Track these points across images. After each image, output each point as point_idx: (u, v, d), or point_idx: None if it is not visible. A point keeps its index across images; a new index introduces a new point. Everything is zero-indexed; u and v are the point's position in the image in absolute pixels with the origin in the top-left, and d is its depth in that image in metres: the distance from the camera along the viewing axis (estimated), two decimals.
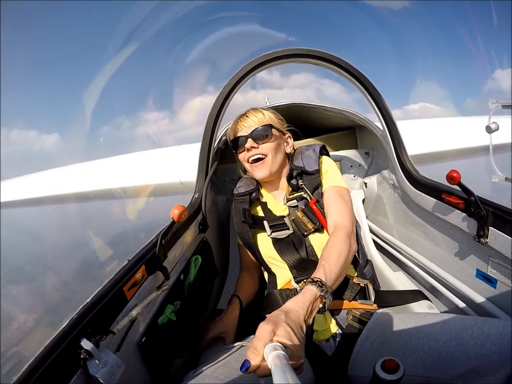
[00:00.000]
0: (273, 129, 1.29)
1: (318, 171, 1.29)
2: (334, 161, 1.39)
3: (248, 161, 1.29)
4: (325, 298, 0.85)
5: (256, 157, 1.27)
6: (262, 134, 1.27)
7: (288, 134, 1.38)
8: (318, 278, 0.88)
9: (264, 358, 0.60)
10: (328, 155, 1.44)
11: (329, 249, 1.04)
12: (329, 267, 0.94)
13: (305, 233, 1.23)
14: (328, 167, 1.33)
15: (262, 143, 1.27)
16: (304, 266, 1.19)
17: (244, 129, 1.29)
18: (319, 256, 1.19)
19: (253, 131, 1.27)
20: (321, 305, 0.84)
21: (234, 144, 1.32)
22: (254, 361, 0.61)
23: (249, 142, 1.26)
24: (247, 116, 1.32)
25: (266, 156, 1.27)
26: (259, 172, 1.27)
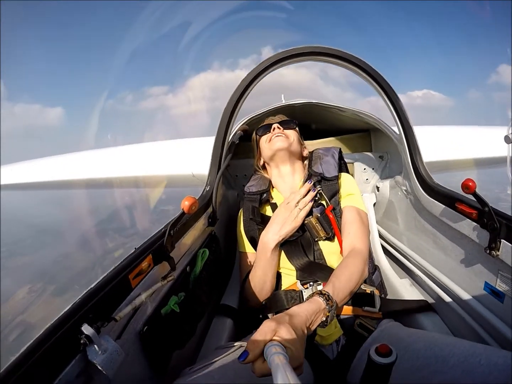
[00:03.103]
0: (296, 128, 1.44)
1: (337, 177, 1.31)
2: (348, 163, 1.38)
3: (270, 140, 1.37)
4: (328, 312, 0.86)
5: (278, 134, 1.36)
6: (288, 122, 1.43)
7: (305, 145, 1.51)
8: (326, 292, 0.89)
9: (263, 356, 0.61)
10: (342, 158, 1.46)
11: (342, 268, 1.05)
12: (339, 285, 0.95)
13: (316, 239, 1.22)
14: (352, 189, 1.34)
15: (287, 129, 1.40)
16: (311, 269, 1.18)
17: (273, 120, 1.46)
18: (326, 260, 1.20)
19: (281, 120, 1.44)
20: (324, 319, 0.85)
21: (260, 130, 1.46)
22: (253, 352, 0.62)
23: (275, 125, 1.39)
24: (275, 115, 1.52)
25: (288, 137, 1.36)
26: (279, 143, 1.34)
